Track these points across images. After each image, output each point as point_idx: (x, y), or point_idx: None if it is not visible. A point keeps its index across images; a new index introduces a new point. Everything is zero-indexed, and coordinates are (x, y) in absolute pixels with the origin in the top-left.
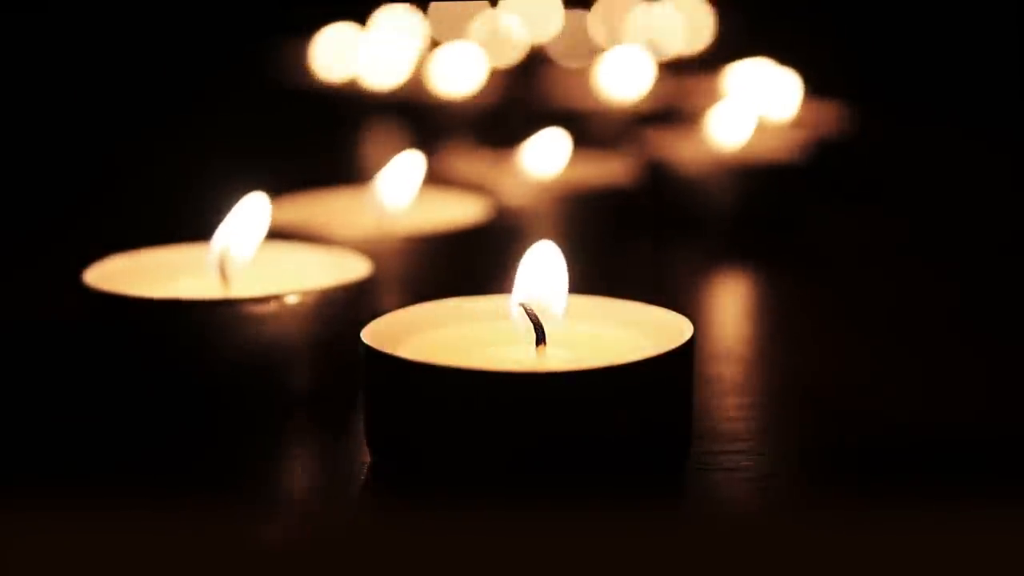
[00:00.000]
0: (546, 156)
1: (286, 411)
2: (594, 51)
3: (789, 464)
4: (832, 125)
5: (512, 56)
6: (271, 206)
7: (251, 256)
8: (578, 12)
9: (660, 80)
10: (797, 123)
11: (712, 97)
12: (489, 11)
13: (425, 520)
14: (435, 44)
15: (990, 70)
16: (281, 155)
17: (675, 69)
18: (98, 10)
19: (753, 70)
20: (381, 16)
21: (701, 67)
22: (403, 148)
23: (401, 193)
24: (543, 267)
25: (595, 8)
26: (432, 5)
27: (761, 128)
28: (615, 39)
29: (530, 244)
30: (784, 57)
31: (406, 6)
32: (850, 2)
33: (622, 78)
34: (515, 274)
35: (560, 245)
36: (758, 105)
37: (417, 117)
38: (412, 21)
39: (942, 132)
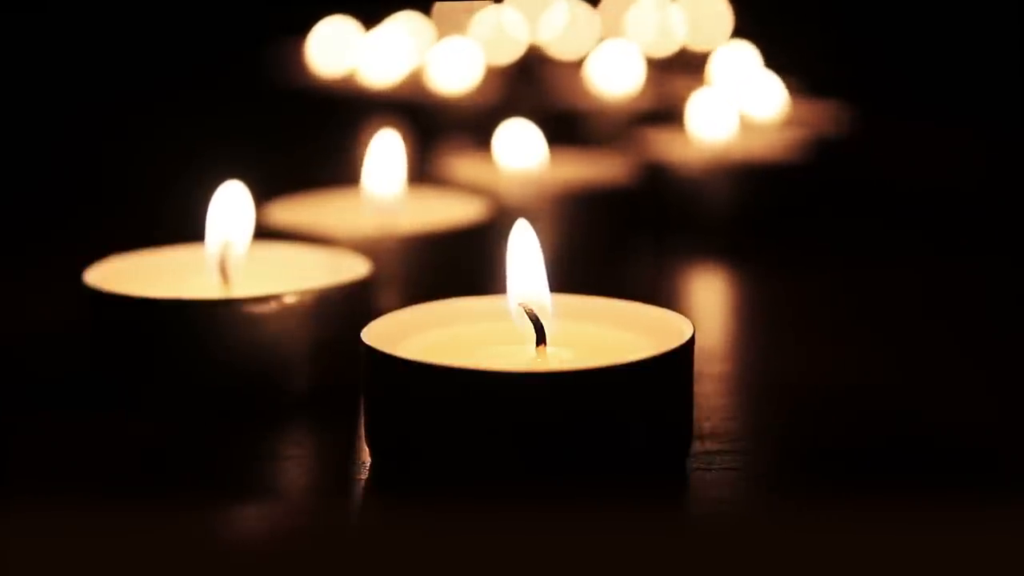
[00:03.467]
0: (521, 148)
1: (286, 411)
2: (596, 45)
3: (789, 464)
4: (827, 124)
5: (512, 54)
6: (263, 198)
7: (246, 248)
8: (582, 7)
9: (662, 78)
10: (793, 122)
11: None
12: (491, 8)
13: (425, 520)
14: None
15: (989, 67)
16: (280, 154)
17: (681, 67)
18: (97, 10)
19: (737, 61)
20: (388, 20)
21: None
22: (380, 135)
23: (390, 181)
24: (526, 257)
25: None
26: (436, 5)
27: (755, 126)
28: (616, 33)
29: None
30: (781, 54)
31: (411, 11)
32: (847, 1)
33: (617, 75)
34: (506, 269)
35: (559, 244)
36: (741, 98)
37: (416, 115)
38: (416, 21)
39: (939, 131)
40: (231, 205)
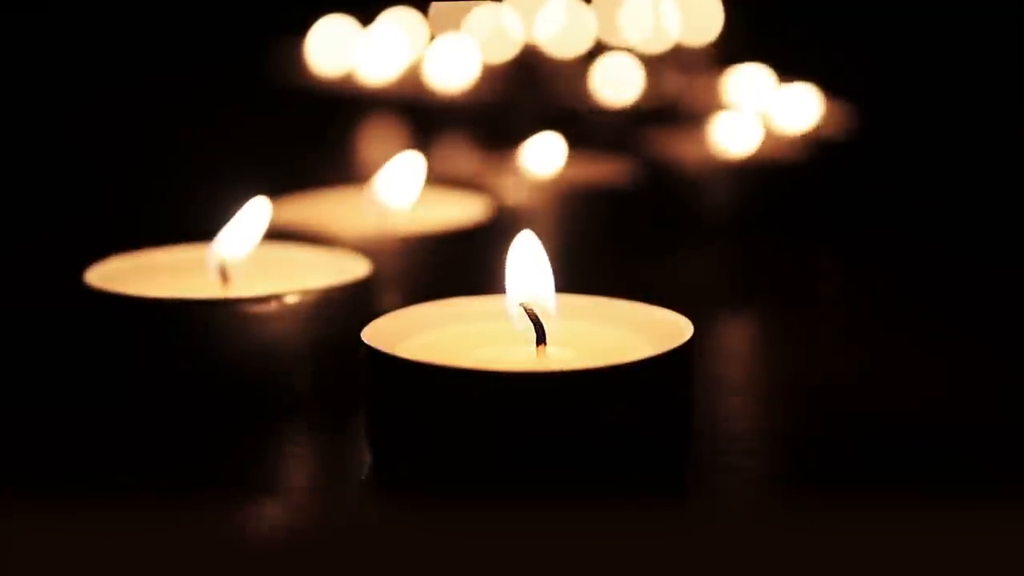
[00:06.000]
0: (544, 157)
1: (286, 411)
2: (593, 44)
3: (789, 464)
4: (829, 125)
5: (510, 52)
6: (271, 208)
7: (246, 255)
8: (577, 5)
9: (660, 77)
10: (813, 129)
11: (714, 97)
12: (487, 7)
13: (425, 520)
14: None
15: (991, 71)
16: (280, 154)
17: (678, 64)
18: (98, 10)
19: (757, 75)
20: (383, 17)
21: (705, 63)
22: (402, 147)
23: (402, 194)
24: (530, 261)
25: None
26: (433, 5)
27: (765, 131)
28: (611, 32)
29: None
30: (791, 58)
31: (406, 7)
32: (859, 4)
33: (620, 77)
34: (506, 272)
35: (560, 245)
36: (763, 111)
37: (416, 115)
38: (412, 19)
39: (943, 133)
40: (248, 218)
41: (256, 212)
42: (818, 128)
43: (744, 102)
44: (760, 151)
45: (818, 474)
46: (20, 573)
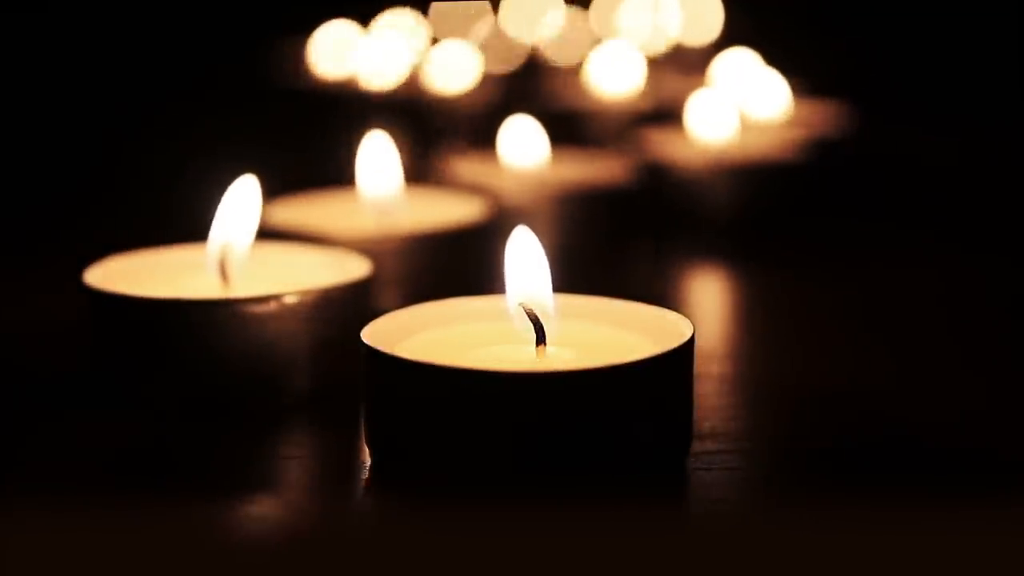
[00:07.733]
0: (525, 146)
1: (286, 411)
2: (592, 47)
3: (789, 464)
4: (828, 124)
5: (511, 59)
6: (262, 197)
7: (248, 245)
8: (577, 9)
9: (658, 77)
10: (793, 122)
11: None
12: (489, 15)
13: (425, 520)
14: (436, 43)
15: (989, 69)
16: (280, 155)
17: (676, 64)
18: (97, 10)
19: (738, 62)
20: (383, 19)
21: (702, 62)
22: (374, 137)
23: (386, 181)
24: (527, 260)
25: (593, 3)
26: (433, 5)
27: (755, 126)
28: (610, 33)
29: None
30: (781, 55)
31: (407, 9)
32: (849, 1)
33: (616, 75)
34: (505, 271)
35: (559, 244)
36: (742, 98)
37: (416, 116)
38: (412, 22)
39: (936, 132)
40: (240, 201)
41: (247, 193)
42: (809, 123)
43: (729, 90)
44: (749, 143)
45: (817, 474)
46: (20, 573)
